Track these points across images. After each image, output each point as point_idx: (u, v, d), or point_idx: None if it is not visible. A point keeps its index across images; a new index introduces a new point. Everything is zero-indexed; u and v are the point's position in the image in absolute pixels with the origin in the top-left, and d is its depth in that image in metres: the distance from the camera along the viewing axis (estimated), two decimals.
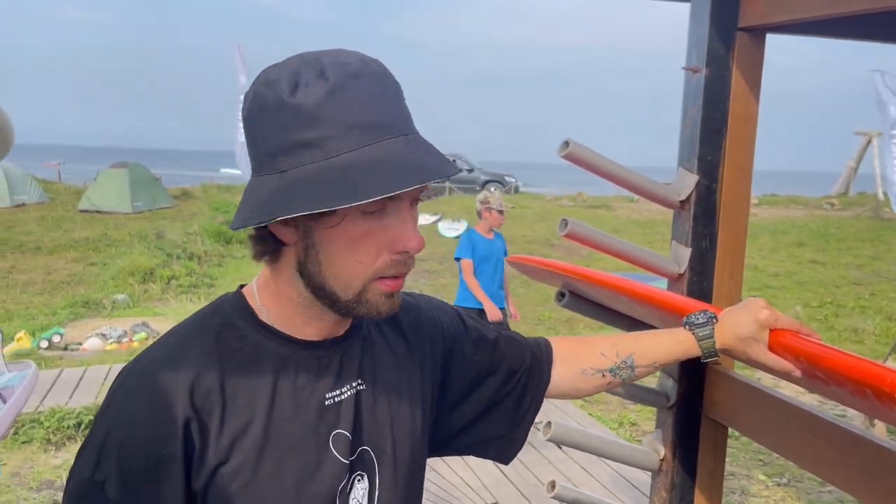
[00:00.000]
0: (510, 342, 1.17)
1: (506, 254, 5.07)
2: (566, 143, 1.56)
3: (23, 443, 4.48)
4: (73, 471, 0.83)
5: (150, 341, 6.85)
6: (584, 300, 1.74)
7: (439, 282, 10.28)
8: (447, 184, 21.96)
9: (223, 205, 15.29)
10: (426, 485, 1.21)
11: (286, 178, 0.78)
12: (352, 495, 0.92)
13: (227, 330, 0.88)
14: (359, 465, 0.93)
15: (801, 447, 1.46)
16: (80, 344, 6.72)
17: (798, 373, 1.14)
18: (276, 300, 0.90)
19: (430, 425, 1.07)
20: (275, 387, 0.87)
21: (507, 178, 24.18)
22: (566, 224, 1.63)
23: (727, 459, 1.90)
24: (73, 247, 12.00)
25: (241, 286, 0.95)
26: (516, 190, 23.30)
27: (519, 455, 1.24)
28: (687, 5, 1.73)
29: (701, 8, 1.66)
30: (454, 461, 4.05)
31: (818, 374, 1.11)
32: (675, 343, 1.19)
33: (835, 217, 17.45)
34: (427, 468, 1.10)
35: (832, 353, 1.06)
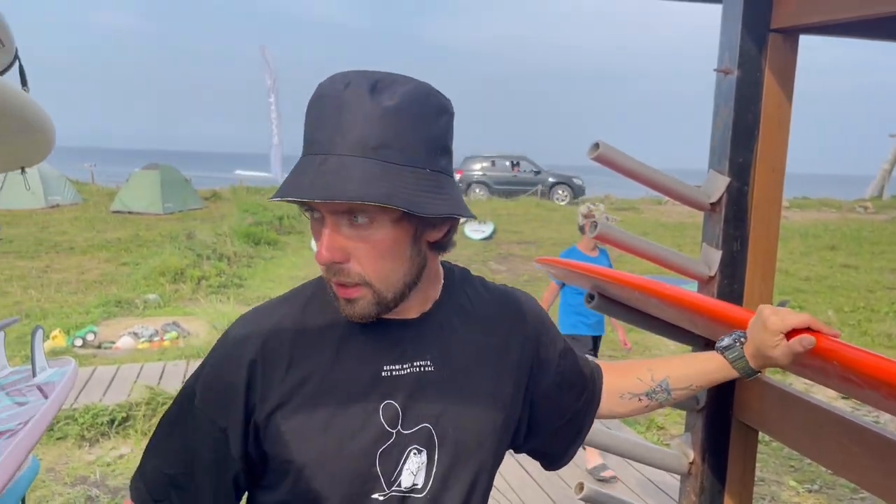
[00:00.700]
0: (584, 361, 1.24)
1: None
2: (596, 145, 1.56)
3: (58, 439, 4.58)
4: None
5: (181, 341, 6.97)
6: (613, 302, 1.74)
7: None
8: (489, 185, 21.47)
9: (252, 206, 15.43)
10: None
11: None
12: (406, 466, 0.99)
13: (314, 299, 1.03)
14: (416, 439, 1.00)
15: (834, 452, 1.44)
16: (113, 342, 6.84)
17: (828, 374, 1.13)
18: None
19: (510, 422, 1.11)
20: (338, 352, 0.99)
21: (574, 181, 22.25)
22: (596, 225, 1.63)
23: (757, 465, 1.89)
24: (105, 247, 12.21)
25: None
26: (583, 192, 21.99)
27: None
28: (719, 7, 1.73)
29: (733, 9, 1.66)
30: None
31: (852, 377, 1.10)
32: (708, 366, 1.21)
33: (868, 220, 17.14)
34: None
35: (866, 357, 1.05)
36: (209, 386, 1.00)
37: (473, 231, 14.08)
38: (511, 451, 1.20)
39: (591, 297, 1.76)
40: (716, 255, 1.70)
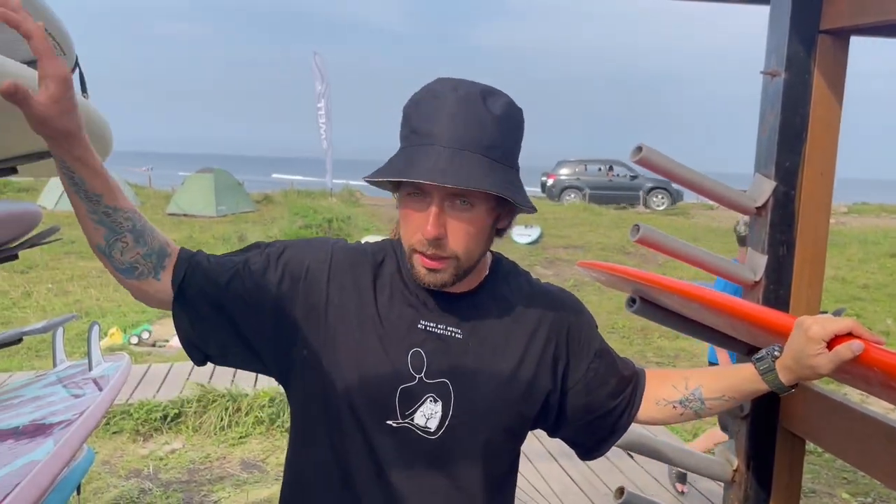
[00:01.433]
0: (624, 363, 1.29)
1: None
2: (639, 148, 1.56)
3: (114, 433, 4.73)
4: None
5: None
6: (655, 307, 1.73)
7: None
8: (586, 190, 20.15)
9: (303, 209, 15.66)
10: None
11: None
12: (421, 409, 1.12)
13: (390, 251, 1.19)
14: (434, 389, 1.12)
15: (885, 463, 1.41)
16: (167, 341, 7.03)
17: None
18: None
19: (530, 403, 1.18)
20: (392, 296, 1.15)
21: (673, 185, 20.78)
22: (638, 229, 1.62)
23: (808, 476, 1.85)
24: None
25: None
26: (682, 198, 20.75)
27: (590, 462, 1.29)
28: (766, 8, 1.70)
29: (780, 10, 1.63)
30: (524, 465, 4.04)
31: (894, 385, 1.07)
32: (740, 377, 1.22)
33: None
34: None
35: None
36: (335, 255, 1.18)
37: (520, 235, 13.96)
38: (550, 456, 1.23)
39: (633, 301, 1.75)
40: (761, 260, 1.68)
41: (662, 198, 20.41)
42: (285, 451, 1.23)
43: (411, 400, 1.11)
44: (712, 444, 3.91)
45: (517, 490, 1.29)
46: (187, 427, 4.80)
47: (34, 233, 1.97)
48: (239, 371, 4.06)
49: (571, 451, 1.34)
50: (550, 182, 21.16)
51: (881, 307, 9.45)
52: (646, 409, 1.26)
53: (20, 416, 1.68)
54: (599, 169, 21.21)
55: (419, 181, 1.00)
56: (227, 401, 4.90)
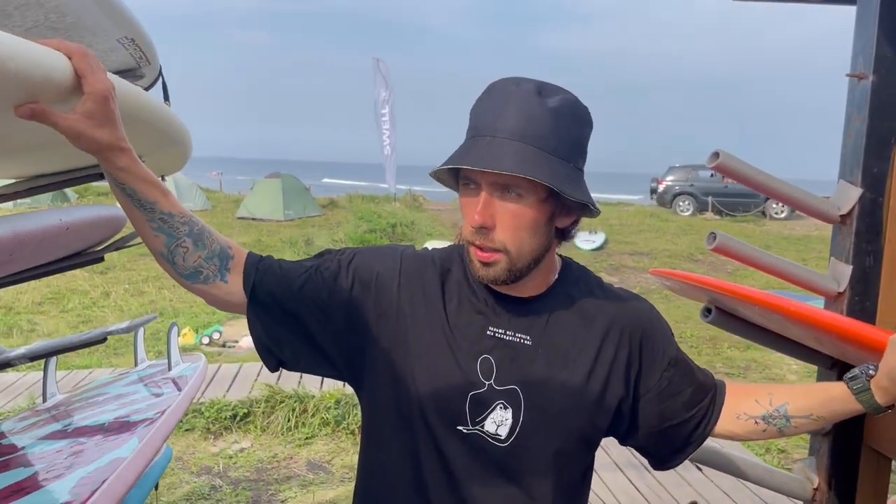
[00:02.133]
0: (703, 374, 1.26)
1: None
2: (716, 154, 1.52)
3: (186, 430, 4.88)
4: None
5: None
6: (732, 317, 1.68)
7: None
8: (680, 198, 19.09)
9: (367, 214, 15.88)
10: None
11: None
12: (491, 415, 1.11)
13: (456, 259, 1.19)
14: (505, 396, 1.12)
15: None
16: (237, 342, 7.22)
17: None
18: None
19: (601, 411, 1.16)
20: (460, 304, 1.15)
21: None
22: (714, 237, 1.58)
23: (894, 497, 1.76)
24: None
25: None
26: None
27: (658, 474, 1.26)
28: (852, 9, 1.64)
29: (868, 10, 1.57)
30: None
31: None
32: (830, 396, 1.16)
33: None
34: None
35: None
36: (363, 262, 1.18)
37: (584, 241, 13.81)
38: (616, 466, 1.20)
39: (708, 311, 1.71)
40: (846, 271, 1.61)
41: (781, 206, 18.93)
42: (350, 453, 1.25)
43: (481, 407, 1.11)
44: None
45: None
46: (255, 427, 4.91)
47: (119, 236, 2.05)
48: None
49: (639, 463, 1.31)
50: (661, 188, 20.19)
51: None
52: (725, 422, 1.22)
53: (105, 413, 1.76)
54: (712, 175, 19.46)
55: (454, 167, 1.04)
56: (294, 402, 5.00)
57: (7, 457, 1.56)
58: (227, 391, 5.40)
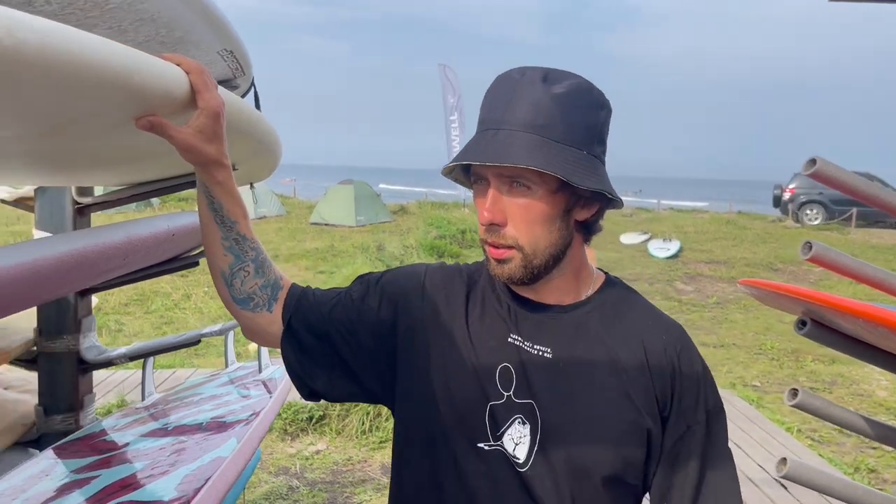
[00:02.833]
0: (730, 477, 1.09)
1: None
2: (813, 161, 1.47)
3: None
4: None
5: None
6: (829, 330, 1.62)
7: None
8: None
9: (437, 220, 16.00)
10: None
11: None
12: (509, 431, 1.03)
13: (485, 268, 1.13)
14: (522, 409, 1.04)
15: None
16: None
17: None
18: None
19: (631, 446, 1.04)
20: (483, 312, 1.11)
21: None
22: (810, 247, 1.52)
23: None
24: (305, 256, 13.20)
25: None
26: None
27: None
28: None
29: None
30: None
31: None
32: None
33: None
34: None
35: None
36: (394, 281, 1.18)
37: (658, 249, 13.53)
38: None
39: (803, 323, 1.65)
40: None
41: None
42: None
43: (500, 419, 1.04)
44: None
45: None
46: (331, 429, 5.01)
47: None
48: None
49: None
50: (787, 196, 19.00)
51: None
52: None
53: (202, 413, 1.83)
54: None
55: (456, 163, 1.02)
56: (369, 406, 5.07)
57: (110, 453, 1.63)
58: None
